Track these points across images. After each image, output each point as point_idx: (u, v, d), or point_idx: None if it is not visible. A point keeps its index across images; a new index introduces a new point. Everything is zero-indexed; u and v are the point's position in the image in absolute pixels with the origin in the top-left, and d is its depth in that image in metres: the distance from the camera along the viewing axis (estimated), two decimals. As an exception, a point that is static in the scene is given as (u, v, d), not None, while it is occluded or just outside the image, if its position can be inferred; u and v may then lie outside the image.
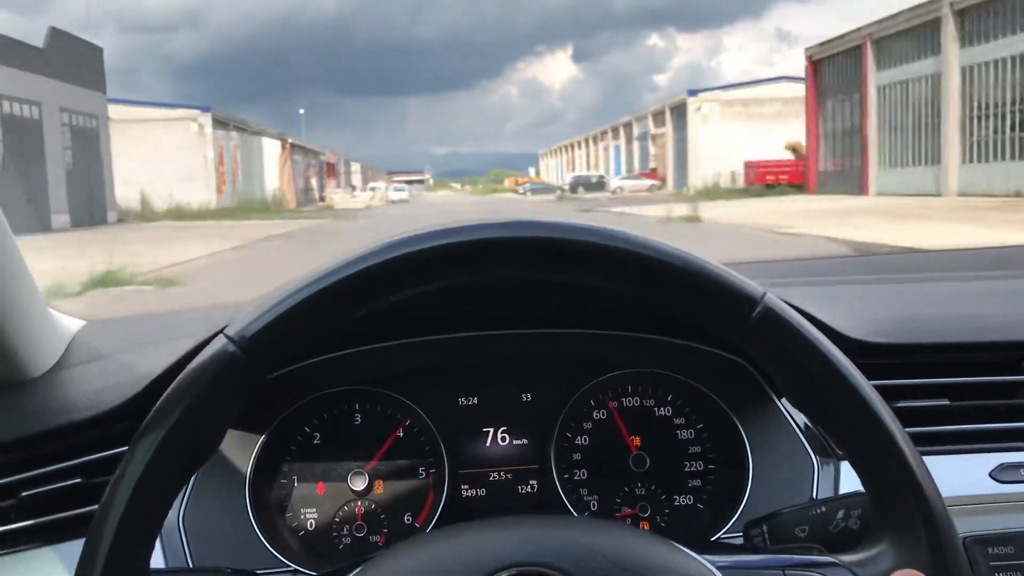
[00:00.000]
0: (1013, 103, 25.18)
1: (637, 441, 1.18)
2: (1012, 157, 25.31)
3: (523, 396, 1.18)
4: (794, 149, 40.95)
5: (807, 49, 36.38)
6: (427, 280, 0.69)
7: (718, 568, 0.70)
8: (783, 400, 1.10)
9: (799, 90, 47.43)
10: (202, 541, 1.00)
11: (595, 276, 0.70)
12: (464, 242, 0.69)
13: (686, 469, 1.16)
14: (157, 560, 0.94)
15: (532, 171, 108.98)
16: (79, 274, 9.51)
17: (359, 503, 1.14)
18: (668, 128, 51.01)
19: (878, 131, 31.47)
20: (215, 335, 0.68)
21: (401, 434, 1.15)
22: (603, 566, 0.67)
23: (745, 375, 1.13)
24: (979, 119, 26.32)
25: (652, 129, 55.03)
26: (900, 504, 0.70)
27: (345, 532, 1.12)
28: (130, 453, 0.66)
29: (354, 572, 0.71)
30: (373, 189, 65.57)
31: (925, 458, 0.70)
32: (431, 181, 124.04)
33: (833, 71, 35.17)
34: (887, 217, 19.19)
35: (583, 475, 1.16)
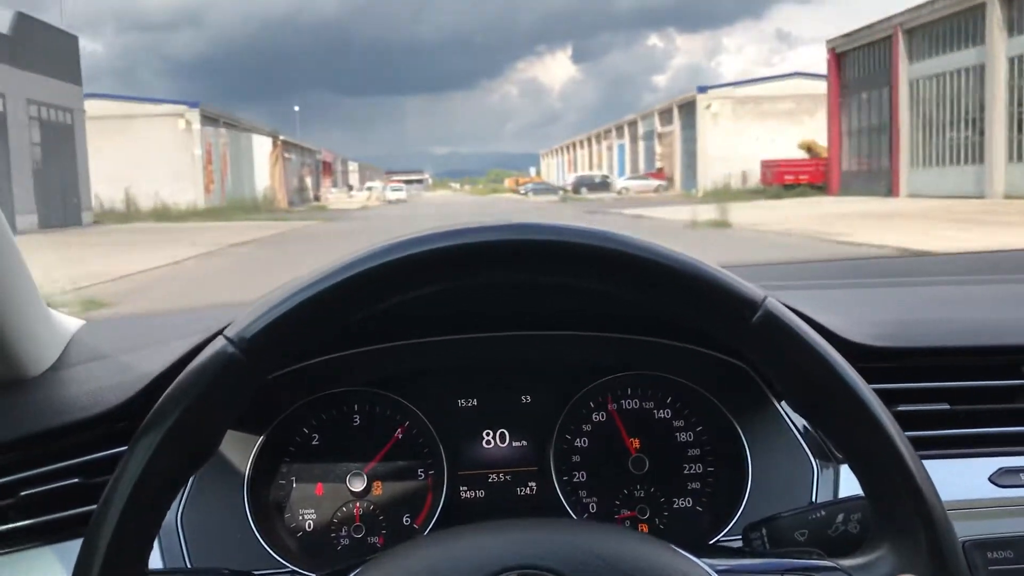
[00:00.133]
0: (1067, 96, 22.69)
1: (636, 444, 1.19)
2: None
3: (523, 398, 1.20)
4: (809, 148, 38.99)
5: (829, 41, 34.21)
6: (426, 283, 0.70)
7: (717, 572, 0.71)
8: (783, 403, 1.12)
9: (813, 87, 45.51)
10: (200, 542, 1.01)
11: (594, 280, 0.71)
12: (463, 245, 0.70)
13: (685, 472, 1.17)
14: (155, 560, 0.97)
15: (533, 171, 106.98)
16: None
17: (358, 504, 1.15)
18: (675, 126, 50.13)
19: (910, 128, 29.17)
20: (214, 336, 0.70)
21: (400, 436, 1.16)
22: (602, 569, 0.68)
23: (745, 378, 1.14)
24: (1029, 114, 23.79)
25: (658, 127, 53.76)
26: (900, 508, 0.71)
27: (343, 533, 1.13)
28: (129, 453, 0.68)
29: (352, 574, 0.72)
30: (370, 189, 64.34)
31: (925, 462, 0.72)
32: (430, 181, 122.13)
33: (858, 64, 32.90)
34: (948, 221, 16.58)
35: (582, 477, 1.17)
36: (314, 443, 1.17)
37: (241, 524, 1.07)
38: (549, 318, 1.18)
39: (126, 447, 0.68)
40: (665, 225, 18.94)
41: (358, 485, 1.15)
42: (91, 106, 37.21)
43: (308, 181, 57.08)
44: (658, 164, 54.37)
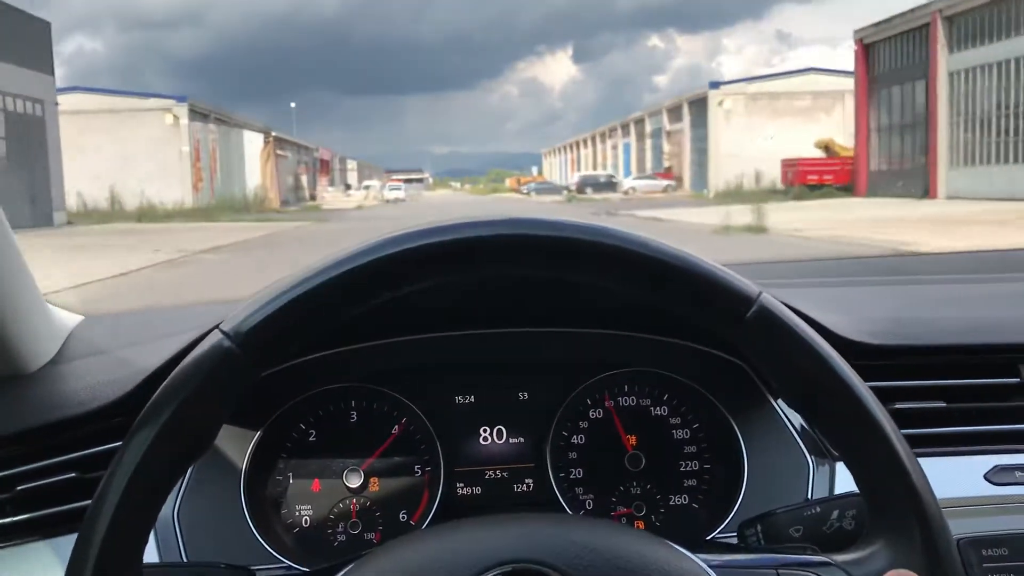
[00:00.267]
0: None
1: (633, 440, 1.21)
2: None
3: (519, 395, 1.22)
4: (826, 147, 37.10)
5: (857, 31, 31.95)
6: (422, 278, 0.71)
7: (712, 567, 0.72)
8: (779, 401, 1.15)
9: (830, 83, 43.52)
10: (197, 536, 1.03)
11: (590, 275, 0.72)
12: (460, 240, 0.71)
13: (681, 469, 1.20)
14: (151, 554, 0.99)
15: (535, 170, 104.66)
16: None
17: (354, 500, 1.17)
18: (685, 124, 48.60)
19: (949, 124, 26.83)
20: (211, 330, 0.71)
21: (397, 432, 1.18)
22: (597, 564, 0.69)
23: (741, 375, 1.17)
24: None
25: (667, 125, 52.28)
26: (894, 505, 0.72)
27: (340, 529, 1.16)
28: (124, 447, 0.68)
29: (347, 568, 0.73)
30: (367, 188, 63.04)
31: (921, 460, 0.73)
32: (430, 180, 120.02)
33: (890, 55, 30.61)
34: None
35: (579, 474, 1.20)
36: (311, 439, 1.18)
37: (238, 519, 1.09)
38: (546, 315, 1.21)
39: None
40: (690, 230, 16.73)
41: (355, 481, 1.17)
42: (74, 100, 36.20)
43: (304, 180, 54.61)
44: (666, 163, 53.21)
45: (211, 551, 1.03)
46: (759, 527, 0.86)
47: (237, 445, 1.13)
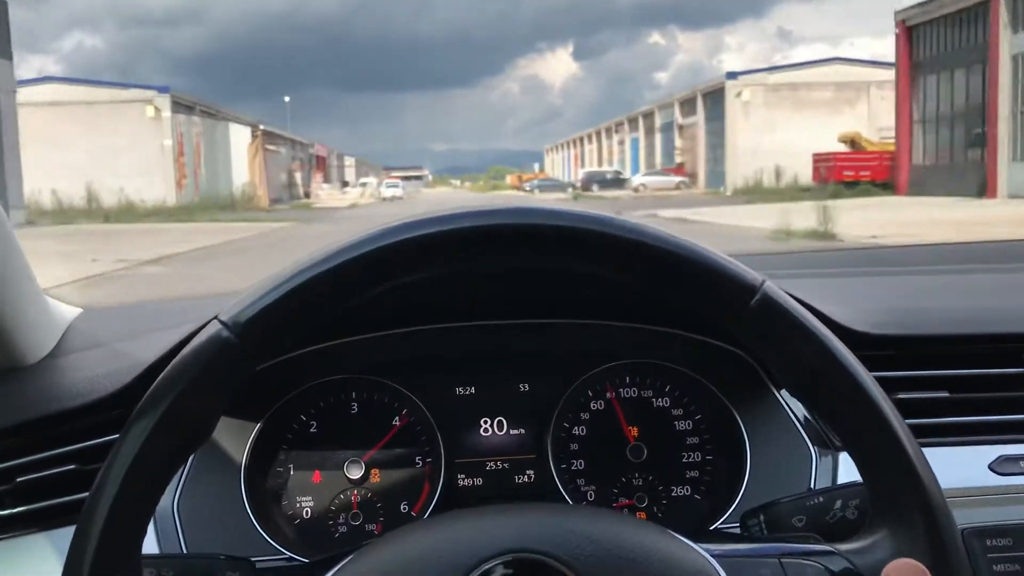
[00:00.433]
0: None
1: (635, 432, 1.22)
2: None
3: (521, 386, 1.24)
4: (852, 141, 34.16)
5: (899, 12, 29.37)
6: (423, 267, 0.72)
7: (714, 556, 0.73)
8: (782, 391, 1.17)
9: (855, 73, 41.30)
10: (197, 527, 1.05)
11: (592, 264, 0.73)
12: (459, 229, 0.71)
13: (684, 460, 1.22)
14: (151, 545, 1.01)
15: (536, 166, 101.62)
16: None
17: (355, 492, 1.19)
18: (699, 117, 46.40)
19: (1011, 114, 23.42)
20: (209, 321, 0.72)
21: (398, 424, 1.21)
22: (598, 554, 0.70)
23: (743, 366, 1.19)
24: None
25: (679, 119, 50.21)
26: (898, 493, 0.73)
27: (341, 520, 1.18)
28: (122, 438, 0.70)
29: (347, 559, 0.75)
30: (363, 185, 60.57)
31: (925, 450, 0.74)
32: (430, 177, 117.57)
33: (938, 38, 27.71)
34: None
35: (580, 465, 1.22)
36: (311, 430, 1.20)
37: (238, 511, 1.10)
38: (548, 306, 1.23)
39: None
40: (737, 235, 14.30)
41: (356, 473, 1.18)
42: (47, 91, 35.31)
43: (298, 176, 51.68)
44: (678, 159, 50.24)
45: (211, 543, 1.05)
46: (762, 517, 0.87)
47: (237, 436, 1.15)
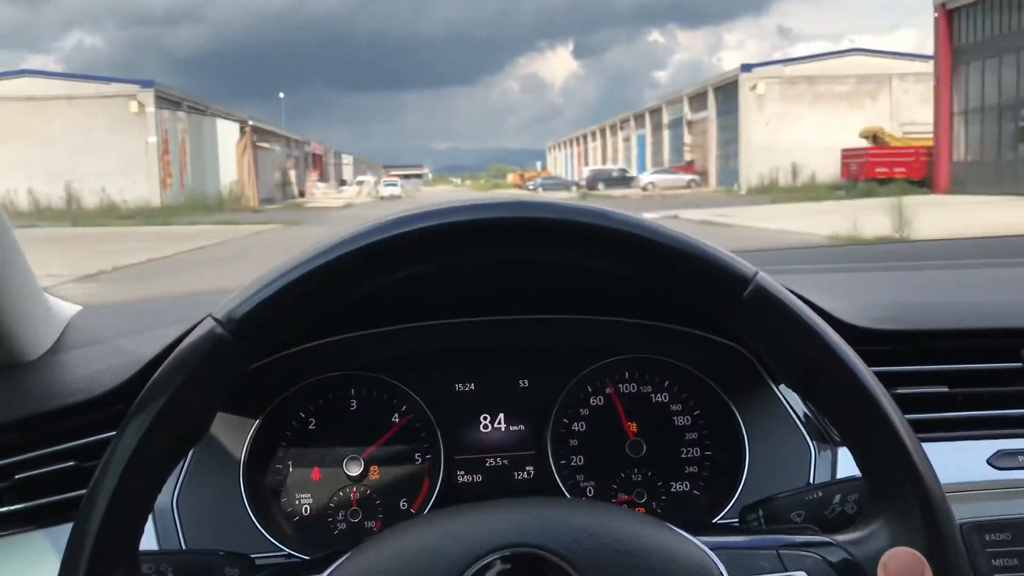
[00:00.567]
0: None
1: (634, 427, 1.24)
2: None
3: (520, 382, 1.26)
4: (874, 137, 31.86)
5: (938, -6, 25.96)
6: (416, 262, 0.73)
7: (712, 548, 0.74)
8: (780, 386, 1.19)
9: (875, 65, 39.78)
10: (196, 524, 1.07)
11: (585, 257, 0.74)
12: (455, 223, 0.72)
13: (683, 455, 1.24)
14: (150, 542, 1.03)
15: (539, 164, 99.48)
16: None
17: (354, 489, 1.20)
18: (710, 112, 44.71)
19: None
20: (204, 318, 0.73)
21: (398, 420, 1.23)
22: (595, 547, 0.71)
23: (742, 361, 1.21)
24: None
25: (688, 114, 47.49)
26: (896, 486, 0.74)
27: (340, 517, 1.20)
28: (118, 435, 0.71)
29: (346, 556, 0.75)
30: (360, 183, 58.41)
31: (923, 445, 0.76)
32: (430, 175, 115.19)
33: (983, 22, 25.52)
34: None
35: (580, 461, 1.24)
36: (310, 427, 1.22)
37: (237, 508, 1.12)
38: (546, 301, 1.25)
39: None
40: (796, 244, 11.55)
41: (355, 469, 1.20)
42: (24, 85, 34.09)
43: (292, 175, 49.49)
44: (687, 156, 48.00)
45: (210, 539, 1.06)
46: (760, 512, 0.88)
47: (236, 433, 1.17)
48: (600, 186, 47.24)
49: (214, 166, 38.55)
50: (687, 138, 50.77)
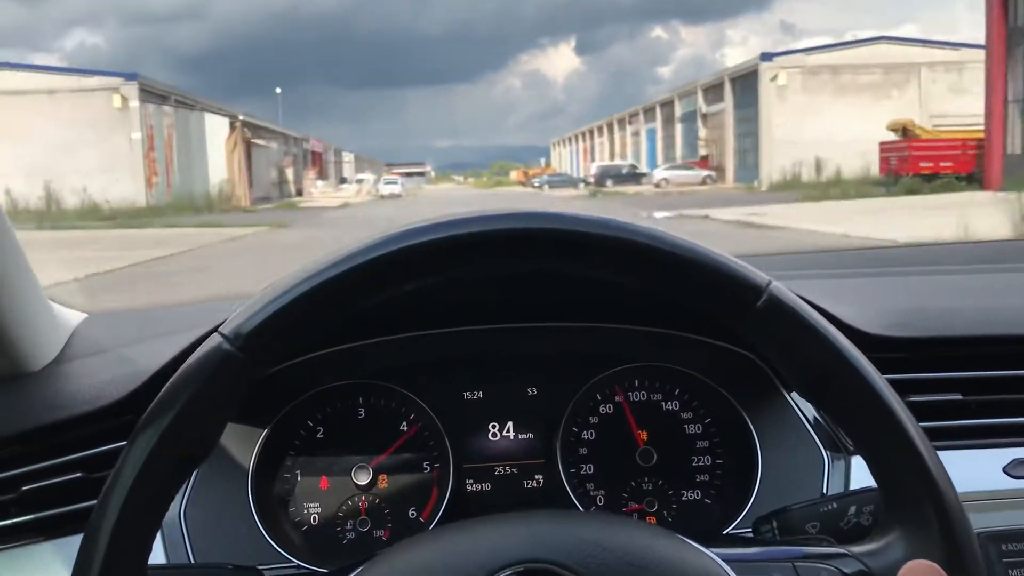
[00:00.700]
0: None
1: (644, 436, 1.24)
2: None
3: (529, 390, 1.26)
4: (904, 130, 29.24)
5: (992, -31, 23.53)
6: (427, 274, 0.73)
7: (726, 560, 0.74)
8: (792, 394, 1.20)
9: (904, 54, 38.10)
10: (204, 536, 1.08)
11: (597, 267, 0.75)
12: (465, 235, 0.72)
13: (694, 464, 1.24)
14: (158, 555, 1.04)
15: (543, 161, 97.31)
16: None
17: (363, 498, 1.21)
18: (727, 104, 43.08)
19: None
20: (211, 332, 0.74)
21: (406, 429, 1.24)
22: (608, 561, 0.71)
23: (754, 369, 1.22)
24: None
25: (703, 107, 44.78)
26: (912, 496, 0.74)
27: (349, 527, 1.20)
28: (127, 451, 0.72)
29: (359, 569, 0.76)
30: (359, 181, 55.99)
31: (938, 453, 0.76)
32: (432, 173, 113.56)
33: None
34: None
35: (589, 470, 1.24)
36: (319, 436, 1.23)
37: (245, 519, 1.13)
38: (556, 309, 1.26)
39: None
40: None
41: (363, 479, 1.20)
42: (1, 78, 31.50)
43: (290, 173, 47.35)
44: (702, 151, 45.60)
45: (218, 551, 1.08)
46: (775, 523, 0.87)
47: (244, 443, 1.18)
48: (608, 183, 45.77)
49: (202, 164, 37.37)
50: (701, 132, 49.03)
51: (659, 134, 56.90)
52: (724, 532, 1.13)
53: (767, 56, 40.25)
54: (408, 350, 1.23)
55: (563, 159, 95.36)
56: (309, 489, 1.19)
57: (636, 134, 63.29)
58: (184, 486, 1.05)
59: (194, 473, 0.99)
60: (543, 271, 0.74)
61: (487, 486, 1.22)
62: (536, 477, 1.22)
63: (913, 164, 28.87)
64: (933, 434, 0.83)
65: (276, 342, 0.71)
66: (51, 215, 26.00)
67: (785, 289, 0.74)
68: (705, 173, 43.44)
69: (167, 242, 16.64)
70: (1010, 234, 10.76)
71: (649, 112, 59.90)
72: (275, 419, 1.18)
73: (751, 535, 0.90)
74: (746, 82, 41.85)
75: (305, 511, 1.18)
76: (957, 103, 36.23)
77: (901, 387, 0.95)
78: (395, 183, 53.65)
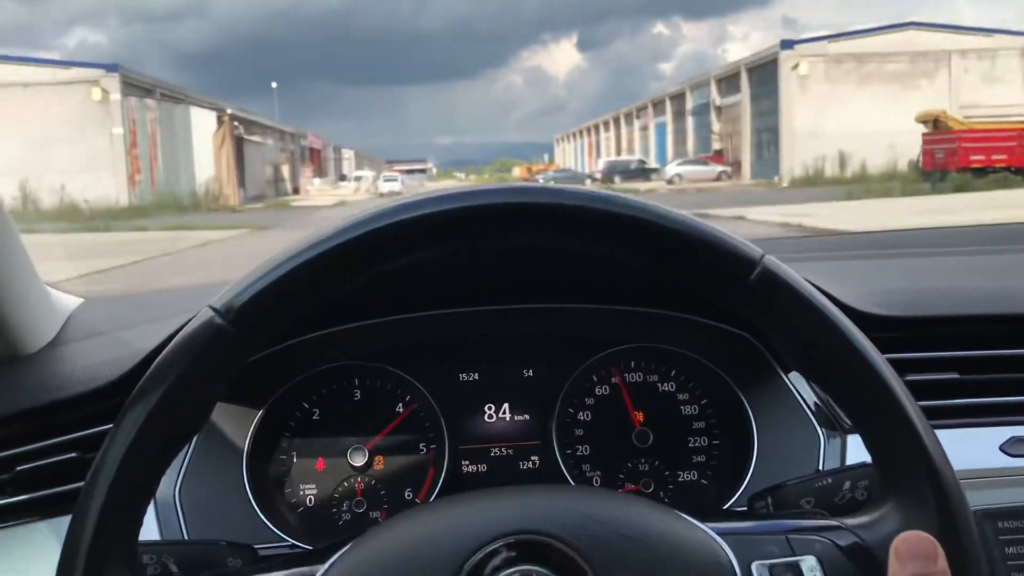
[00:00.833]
0: None
1: (640, 416, 1.26)
2: None
3: (525, 372, 1.29)
4: (935, 122, 26.86)
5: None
6: (422, 248, 0.73)
7: (720, 534, 0.75)
8: (789, 374, 1.23)
9: (934, 41, 35.45)
10: (198, 515, 1.11)
11: (591, 242, 0.75)
12: (456, 208, 0.72)
13: (690, 444, 1.27)
14: (152, 533, 1.07)
15: (546, 157, 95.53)
16: None
17: (359, 479, 1.24)
18: (744, 96, 41.34)
19: None
20: (203, 309, 0.76)
21: (402, 410, 1.27)
22: (601, 533, 0.72)
23: (750, 349, 1.24)
24: None
25: (717, 99, 42.51)
26: (908, 470, 0.75)
27: (344, 508, 1.23)
28: (116, 426, 0.73)
29: (348, 545, 0.78)
30: (358, 179, 54.29)
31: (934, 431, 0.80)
32: (434, 170, 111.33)
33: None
34: None
35: (585, 451, 1.27)
36: (314, 417, 1.25)
37: (241, 499, 1.15)
38: (552, 290, 1.28)
39: None
40: None
41: (359, 460, 1.22)
42: None
43: (286, 170, 45.14)
44: (716, 145, 43.70)
45: (213, 530, 1.09)
46: (769, 499, 0.88)
47: (240, 424, 1.20)
48: (616, 179, 44.23)
49: (189, 161, 36.05)
50: (715, 125, 47.22)
51: (669, 128, 55.03)
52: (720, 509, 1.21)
53: (787, 44, 37.96)
54: (404, 331, 1.24)
55: (567, 155, 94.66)
56: (305, 470, 1.20)
57: (644, 128, 61.46)
58: (179, 465, 1.08)
59: (189, 452, 1.04)
60: (537, 245, 0.73)
61: (483, 467, 1.23)
62: (532, 458, 1.24)
63: (963, 157, 26.26)
64: (930, 413, 0.83)
65: (268, 317, 0.71)
66: (26, 215, 25.16)
67: (779, 262, 0.74)
68: (720, 168, 41.79)
69: (116, 251, 14.03)
70: None
71: (658, 105, 57.96)
72: (271, 400, 1.20)
73: (746, 510, 0.92)
74: (764, 72, 40.01)
75: (301, 492, 1.20)
76: (989, 92, 34.45)
77: (898, 366, 0.96)
78: (395, 180, 52.96)
